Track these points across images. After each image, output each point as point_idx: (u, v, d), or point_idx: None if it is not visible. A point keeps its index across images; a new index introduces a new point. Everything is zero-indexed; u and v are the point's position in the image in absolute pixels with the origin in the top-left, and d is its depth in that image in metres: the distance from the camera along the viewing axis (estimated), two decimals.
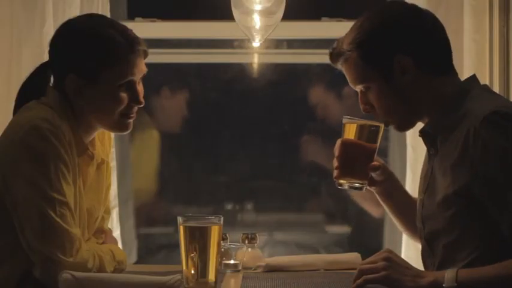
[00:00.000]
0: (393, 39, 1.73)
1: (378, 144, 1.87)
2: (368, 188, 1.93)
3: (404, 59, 1.71)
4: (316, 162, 3.38)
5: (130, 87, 1.79)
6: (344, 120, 1.87)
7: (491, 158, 1.58)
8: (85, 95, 1.77)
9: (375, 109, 1.78)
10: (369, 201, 2.05)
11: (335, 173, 1.87)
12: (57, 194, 1.67)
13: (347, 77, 1.81)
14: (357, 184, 1.87)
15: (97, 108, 1.79)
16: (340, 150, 1.86)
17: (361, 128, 1.85)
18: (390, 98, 1.75)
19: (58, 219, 1.65)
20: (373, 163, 1.87)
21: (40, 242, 1.65)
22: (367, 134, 1.85)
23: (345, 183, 1.87)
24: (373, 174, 1.90)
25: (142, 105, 1.83)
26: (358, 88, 1.80)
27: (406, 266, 1.64)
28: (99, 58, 1.76)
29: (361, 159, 1.86)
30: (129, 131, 1.86)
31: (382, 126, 1.84)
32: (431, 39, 1.75)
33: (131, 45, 1.77)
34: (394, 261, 1.64)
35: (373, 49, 1.74)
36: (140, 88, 1.82)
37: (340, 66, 1.81)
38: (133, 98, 1.80)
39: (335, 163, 1.87)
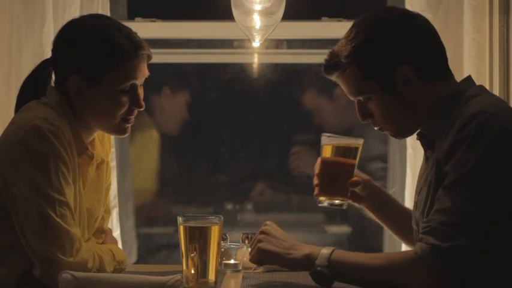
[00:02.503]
0: (392, 50, 1.70)
1: (357, 160, 1.90)
2: (355, 204, 1.96)
3: (405, 69, 1.69)
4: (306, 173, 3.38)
5: (132, 90, 1.79)
6: (322, 139, 1.90)
7: (466, 153, 1.56)
8: (86, 96, 1.77)
9: (373, 118, 1.76)
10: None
11: (315, 190, 1.89)
12: (58, 194, 1.67)
13: (344, 88, 1.78)
14: (336, 201, 1.89)
15: (98, 110, 1.79)
16: (319, 168, 1.89)
17: (339, 146, 1.88)
18: (391, 107, 1.73)
19: (58, 219, 1.65)
20: (352, 179, 1.88)
21: (40, 242, 1.65)
22: (346, 151, 1.88)
23: (324, 200, 1.89)
24: (356, 190, 1.92)
25: (142, 109, 1.83)
26: (357, 99, 1.77)
27: (281, 238, 1.69)
28: (103, 60, 1.75)
29: (340, 177, 1.88)
30: (126, 135, 1.86)
31: (361, 143, 1.88)
32: (428, 45, 1.73)
33: (135, 49, 1.77)
34: (270, 234, 1.71)
35: (373, 62, 1.71)
36: (141, 92, 1.82)
37: (335, 78, 1.78)
38: (134, 102, 1.80)
39: (315, 181, 1.90)
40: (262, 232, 1.75)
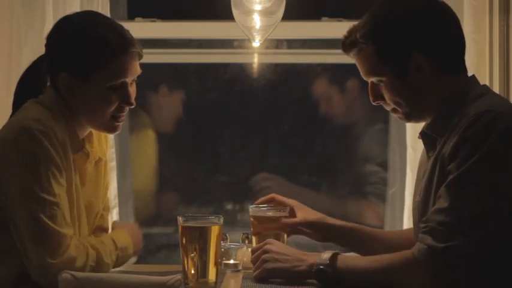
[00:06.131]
0: (411, 36, 1.70)
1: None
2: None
3: (420, 57, 1.69)
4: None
5: (122, 88, 1.78)
6: (250, 211, 1.93)
7: (470, 152, 1.56)
8: (77, 94, 1.77)
9: (384, 100, 1.76)
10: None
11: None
12: (47, 194, 1.66)
13: (359, 67, 1.78)
14: None
15: (88, 107, 1.78)
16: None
17: (268, 218, 1.93)
18: (402, 93, 1.73)
19: (47, 221, 1.65)
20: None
21: (30, 242, 1.65)
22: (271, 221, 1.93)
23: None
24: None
25: (133, 107, 1.82)
26: (370, 79, 1.77)
27: (284, 253, 1.69)
28: (92, 57, 1.74)
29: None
30: (117, 133, 1.85)
31: (287, 209, 1.95)
32: (447, 37, 1.72)
33: (125, 46, 1.76)
34: (273, 251, 1.71)
35: (390, 45, 1.71)
36: (133, 89, 1.81)
37: (352, 55, 1.78)
38: (124, 99, 1.79)
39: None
40: (265, 251, 1.73)
